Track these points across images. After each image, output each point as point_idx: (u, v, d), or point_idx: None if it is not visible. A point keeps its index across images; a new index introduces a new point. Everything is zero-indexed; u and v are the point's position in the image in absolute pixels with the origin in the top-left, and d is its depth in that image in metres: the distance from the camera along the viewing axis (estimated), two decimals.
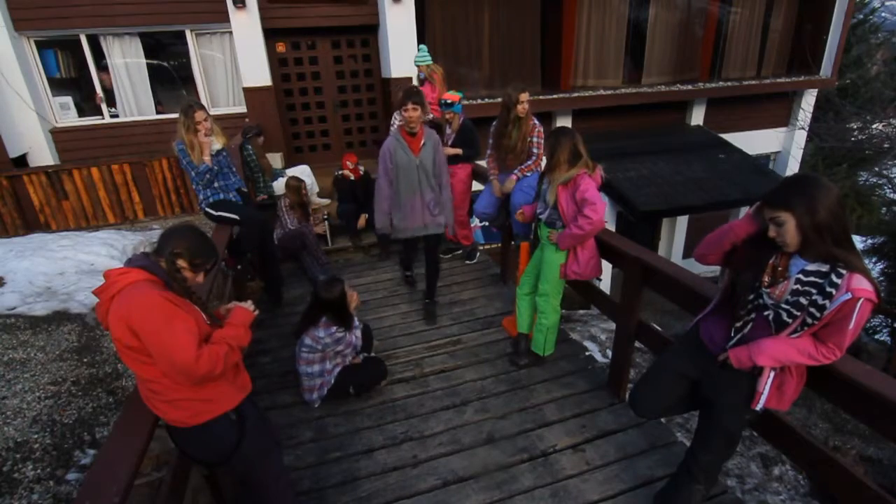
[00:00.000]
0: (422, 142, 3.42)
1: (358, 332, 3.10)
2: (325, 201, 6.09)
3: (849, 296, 1.43)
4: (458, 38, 7.34)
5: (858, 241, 9.62)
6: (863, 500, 1.69)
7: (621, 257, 2.82)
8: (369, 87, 7.56)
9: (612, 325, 3.95)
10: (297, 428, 2.88)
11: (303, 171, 5.96)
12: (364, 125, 7.80)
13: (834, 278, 1.46)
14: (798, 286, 1.53)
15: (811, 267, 1.52)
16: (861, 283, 1.43)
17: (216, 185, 3.67)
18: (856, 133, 9.55)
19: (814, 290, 1.50)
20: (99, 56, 6.62)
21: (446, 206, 3.66)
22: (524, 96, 3.65)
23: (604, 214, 2.72)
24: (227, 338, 1.75)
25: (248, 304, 1.96)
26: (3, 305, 3.99)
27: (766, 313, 1.62)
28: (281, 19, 6.58)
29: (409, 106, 3.29)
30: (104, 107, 6.83)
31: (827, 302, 1.47)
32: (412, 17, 6.61)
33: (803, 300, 1.52)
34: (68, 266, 4.65)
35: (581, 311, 5.26)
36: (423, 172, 3.45)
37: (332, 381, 3.00)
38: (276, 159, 6.48)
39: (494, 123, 3.98)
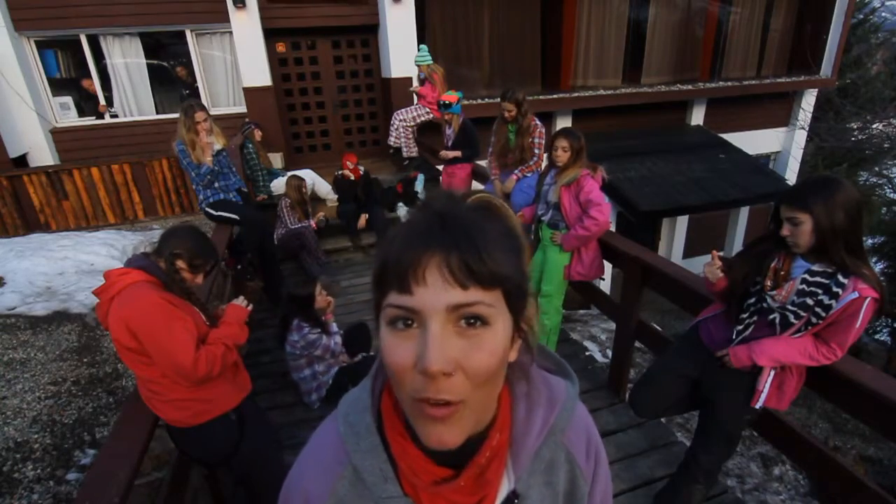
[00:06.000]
0: None
1: (337, 338, 3.08)
2: (335, 197, 5.99)
3: (856, 295, 1.43)
4: (458, 37, 7.33)
5: None
6: (863, 500, 1.69)
7: (621, 257, 2.82)
8: (369, 87, 7.56)
9: (612, 325, 3.94)
10: (297, 428, 2.88)
11: (306, 175, 5.91)
12: (364, 125, 7.80)
13: (840, 278, 1.46)
14: (804, 286, 1.53)
15: (817, 267, 1.52)
16: (868, 283, 1.44)
17: (216, 185, 3.67)
18: (856, 133, 9.54)
19: (820, 291, 1.50)
20: (99, 56, 6.62)
21: None
22: (506, 104, 3.62)
23: (609, 215, 2.72)
24: (223, 337, 1.75)
25: (241, 301, 1.95)
26: (3, 305, 3.99)
27: (771, 316, 1.62)
28: (281, 19, 6.57)
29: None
30: (108, 116, 6.85)
31: (833, 302, 1.47)
32: (412, 17, 6.61)
33: (809, 301, 1.52)
34: (68, 266, 4.65)
35: (581, 311, 5.25)
36: None
37: (330, 382, 3.00)
38: (276, 159, 6.47)
39: (495, 124, 3.98)
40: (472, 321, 0.47)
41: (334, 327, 3.14)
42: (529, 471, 0.60)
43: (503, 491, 0.59)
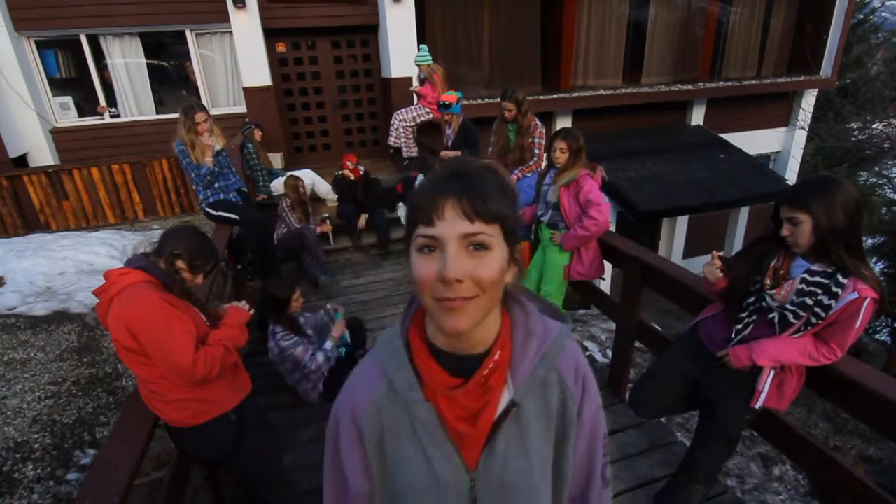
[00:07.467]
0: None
1: (320, 358, 2.90)
2: (335, 196, 5.98)
3: (855, 295, 1.44)
4: (458, 38, 7.33)
5: None
6: (863, 500, 1.68)
7: (621, 257, 2.82)
8: (369, 86, 7.56)
9: (612, 325, 3.94)
10: (297, 428, 2.88)
11: (306, 175, 5.91)
12: (364, 125, 7.80)
13: (840, 278, 1.46)
14: (804, 286, 1.53)
15: (817, 267, 1.52)
16: (867, 283, 1.44)
17: (216, 185, 3.67)
18: (856, 133, 9.54)
19: (819, 291, 1.50)
20: (99, 56, 6.62)
21: None
22: (506, 104, 3.64)
23: (608, 215, 2.72)
24: (223, 339, 1.75)
25: (243, 304, 1.96)
26: (3, 305, 3.99)
27: (770, 315, 1.62)
28: (281, 19, 6.57)
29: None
30: (107, 115, 6.84)
31: (833, 302, 1.47)
32: (412, 17, 6.61)
33: (809, 300, 1.52)
34: (68, 266, 4.64)
35: (581, 311, 5.25)
36: None
37: (326, 375, 2.99)
38: (276, 159, 6.48)
39: (495, 123, 3.98)
40: (477, 247, 0.64)
41: (330, 350, 2.97)
42: (526, 386, 0.75)
43: (504, 400, 0.74)
